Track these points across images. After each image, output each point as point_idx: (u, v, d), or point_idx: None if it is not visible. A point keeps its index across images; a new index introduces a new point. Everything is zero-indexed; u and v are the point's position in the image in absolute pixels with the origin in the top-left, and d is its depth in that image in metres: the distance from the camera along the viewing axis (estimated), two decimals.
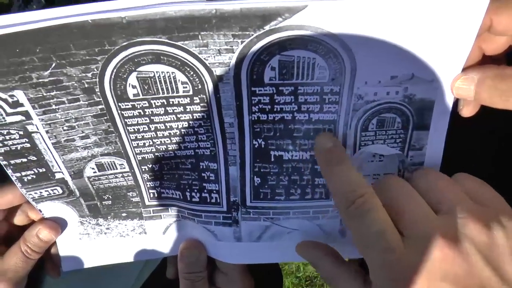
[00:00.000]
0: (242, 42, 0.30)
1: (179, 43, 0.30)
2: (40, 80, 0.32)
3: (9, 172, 0.36)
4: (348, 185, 0.30)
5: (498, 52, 0.32)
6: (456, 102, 0.34)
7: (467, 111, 0.33)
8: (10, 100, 0.32)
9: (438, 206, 0.29)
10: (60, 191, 0.39)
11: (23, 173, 0.37)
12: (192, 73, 0.32)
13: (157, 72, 0.32)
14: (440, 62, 0.31)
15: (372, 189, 0.30)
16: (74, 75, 0.32)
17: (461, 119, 0.34)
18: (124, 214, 0.41)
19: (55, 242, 0.42)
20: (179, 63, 0.31)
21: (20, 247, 0.40)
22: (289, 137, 0.35)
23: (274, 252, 0.40)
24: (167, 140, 0.36)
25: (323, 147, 0.33)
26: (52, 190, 0.38)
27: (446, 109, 0.33)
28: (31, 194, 0.38)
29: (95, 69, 0.31)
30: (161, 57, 0.31)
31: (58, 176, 0.37)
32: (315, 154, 0.35)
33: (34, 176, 0.37)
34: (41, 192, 0.38)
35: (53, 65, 0.31)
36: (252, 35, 0.30)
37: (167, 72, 0.32)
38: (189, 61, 0.31)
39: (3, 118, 0.33)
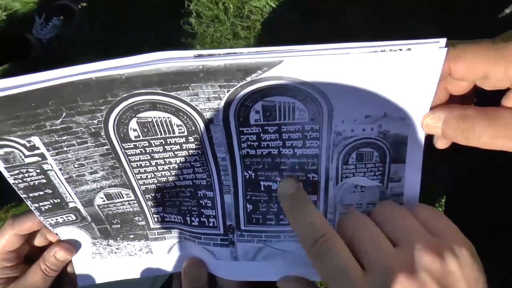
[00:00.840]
0: (228, 91, 0.34)
1: (172, 93, 0.34)
2: (53, 128, 0.36)
3: (28, 203, 0.41)
4: (310, 228, 0.33)
5: (463, 93, 0.35)
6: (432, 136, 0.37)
7: (441, 144, 0.36)
8: (28, 144, 0.37)
9: (395, 238, 0.33)
10: (74, 218, 0.43)
11: (41, 204, 0.41)
12: (185, 117, 0.36)
13: (154, 117, 0.36)
14: (409, 102, 0.34)
15: (332, 229, 0.33)
16: (82, 122, 0.36)
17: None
18: (131, 236, 0.45)
19: (71, 261, 0.47)
20: (173, 109, 0.35)
21: (40, 266, 0.45)
22: (276, 170, 0.39)
23: (268, 271, 0.44)
24: (167, 173, 0.40)
25: (286, 192, 0.36)
26: (67, 217, 0.43)
27: (419, 143, 0.37)
28: (48, 221, 0.43)
29: (100, 117, 0.36)
30: (157, 105, 0.35)
31: (71, 205, 0.42)
32: (279, 199, 0.38)
33: (50, 206, 0.41)
34: (57, 219, 0.43)
35: (64, 114, 0.35)
36: (236, 85, 0.33)
37: (163, 117, 0.36)
38: (182, 108, 0.35)
39: (22, 159, 0.38)
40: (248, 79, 0.33)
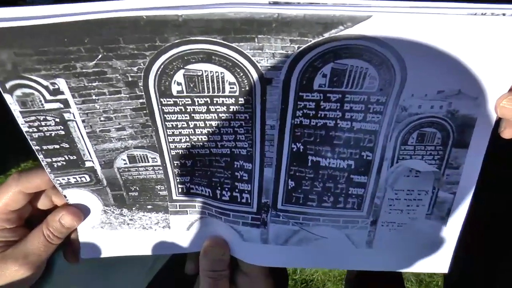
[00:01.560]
0: (298, 48, 0.29)
1: (233, 45, 0.29)
2: (84, 70, 0.31)
3: (40, 157, 0.35)
4: None
5: None
6: (497, 124, 0.33)
7: (509, 133, 0.33)
8: (51, 87, 0.31)
9: None
10: (88, 179, 0.38)
11: (54, 159, 0.36)
12: (241, 74, 0.31)
13: (205, 71, 0.31)
14: (487, 79, 0.31)
15: None
16: (119, 68, 0.31)
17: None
18: (149, 207, 0.40)
19: (76, 228, 0.41)
20: (230, 63, 0.30)
21: (42, 231, 0.39)
22: (328, 144, 0.35)
23: (299, 257, 0.40)
24: (205, 138, 0.36)
25: None
26: (80, 177, 0.38)
27: (488, 127, 0.33)
28: (58, 180, 0.37)
29: (141, 64, 0.30)
30: (213, 57, 0.30)
31: (88, 164, 0.37)
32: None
33: (64, 163, 0.36)
34: (69, 179, 0.37)
35: (99, 56, 0.30)
36: (310, 41, 0.29)
37: (216, 72, 0.31)
38: (240, 63, 0.30)
39: (42, 104, 0.32)
40: (326, 35, 0.29)
